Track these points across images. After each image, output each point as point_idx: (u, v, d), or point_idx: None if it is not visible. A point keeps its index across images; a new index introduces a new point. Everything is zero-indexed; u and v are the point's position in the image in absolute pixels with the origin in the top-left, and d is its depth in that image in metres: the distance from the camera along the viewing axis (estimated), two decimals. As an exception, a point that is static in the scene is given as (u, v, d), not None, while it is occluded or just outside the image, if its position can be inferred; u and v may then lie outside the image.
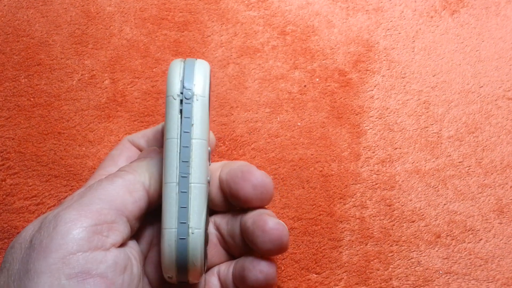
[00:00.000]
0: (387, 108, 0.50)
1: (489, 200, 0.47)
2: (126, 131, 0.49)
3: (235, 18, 0.53)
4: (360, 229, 0.46)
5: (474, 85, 0.51)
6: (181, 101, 0.34)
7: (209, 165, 0.37)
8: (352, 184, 0.47)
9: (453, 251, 0.45)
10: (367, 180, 0.48)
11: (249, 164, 0.38)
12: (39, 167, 0.47)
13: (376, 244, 0.45)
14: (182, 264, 0.34)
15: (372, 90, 0.51)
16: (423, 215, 0.46)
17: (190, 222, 0.34)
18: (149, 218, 0.39)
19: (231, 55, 0.52)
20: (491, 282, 0.44)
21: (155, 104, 0.50)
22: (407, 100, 0.51)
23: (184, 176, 0.34)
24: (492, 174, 0.48)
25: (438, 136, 0.49)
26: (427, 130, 0.49)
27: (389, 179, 0.48)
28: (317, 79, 0.51)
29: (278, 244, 0.35)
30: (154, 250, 0.40)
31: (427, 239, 0.46)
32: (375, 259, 0.45)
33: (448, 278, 0.44)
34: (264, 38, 0.53)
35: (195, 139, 0.34)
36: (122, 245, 0.34)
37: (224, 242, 0.39)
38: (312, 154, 0.48)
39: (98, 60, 0.51)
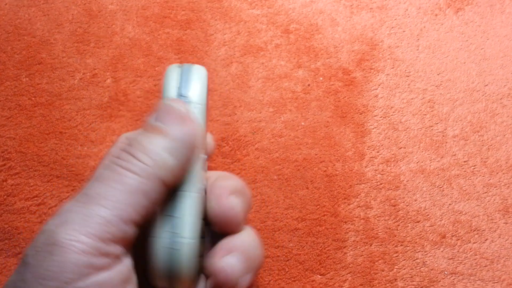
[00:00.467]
0: (392, 107, 0.50)
1: (495, 200, 0.47)
2: (128, 130, 0.48)
3: (238, 16, 0.53)
4: (365, 230, 0.46)
5: (479, 83, 0.51)
6: None
7: (205, 173, 0.36)
8: (356, 184, 0.47)
9: (458, 251, 0.45)
10: (372, 180, 0.47)
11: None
12: (41, 167, 0.47)
13: (381, 245, 0.45)
14: (169, 274, 0.33)
15: (377, 89, 0.50)
16: (428, 215, 0.46)
17: (181, 232, 0.33)
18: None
19: (234, 54, 0.51)
20: (496, 282, 0.44)
21: (158, 103, 0.49)
22: (412, 99, 0.50)
23: None
24: (497, 173, 0.48)
25: (443, 135, 0.49)
26: (432, 129, 0.49)
27: (394, 179, 0.47)
28: (321, 78, 0.51)
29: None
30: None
31: (432, 240, 0.45)
32: (379, 259, 0.45)
33: (454, 279, 0.44)
34: (267, 37, 0.52)
35: None
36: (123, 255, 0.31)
37: None
38: (316, 154, 0.48)
39: (100, 58, 0.51)
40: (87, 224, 0.27)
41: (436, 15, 0.53)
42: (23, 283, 0.27)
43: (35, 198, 0.46)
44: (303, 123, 0.49)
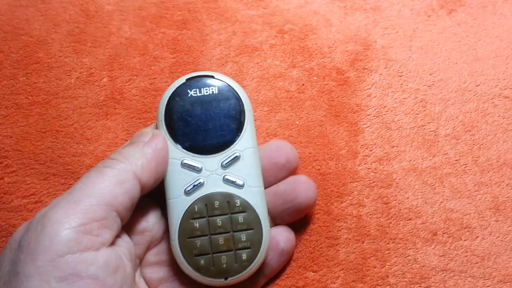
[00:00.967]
0: (385, 107, 0.50)
1: (486, 198, 0.47)
2: (124, 128, 0.49)
3: (234, 17, 0.53)
4: (357, 227, 0.46)
5: (471, 83, 0.51)
6: None
7: None
8: (349, 183, 0.48)
9: (449, 248, 0.46)
10: (365, 178, 0.48)
11: None
12: (37, 165, 0.47)
13: (373, 242, 0.46)
14: None
15: (370, 88, 0.51)
16: (419, 213, 0.47)
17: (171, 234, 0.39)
18: (147, 221, 0.40)
19: (230, 54, 0.52)
20: (487, 279, 0.45)
21: (153, 101, 0.50)
22: (404, 98, 0.51)
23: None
24: (488, 172, 0.48)
25: (435, 135, 0.49)
26: (424, 129, 0.50)
27: (386, 177, 0.48)
28: (315, 78, 0.51)
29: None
30: (153, 252, 0.40)
31: (423, 237, 0.46)
32: (371, 256, 0.45)
33: (445, 275, 0.45)
34: (262, 37, 0.53)
35: None
36: (113, 243, 0.34)
37: None
38: (310, 153, 0.49)
39: (97, 58, 0.51)
40: (74, 207, 0.31)
41: (429, 16, 0.54)
42: (17, 264, 0.29)
43: (32, 196, 0.47)
44: (297, 122, 0.50)
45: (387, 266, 0.45)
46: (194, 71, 0.50)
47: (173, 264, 0.40)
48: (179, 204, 0.39)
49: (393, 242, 0.46)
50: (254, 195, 0.40)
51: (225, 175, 0.40)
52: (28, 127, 0.49)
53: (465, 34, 0.53)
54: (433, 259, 0.45)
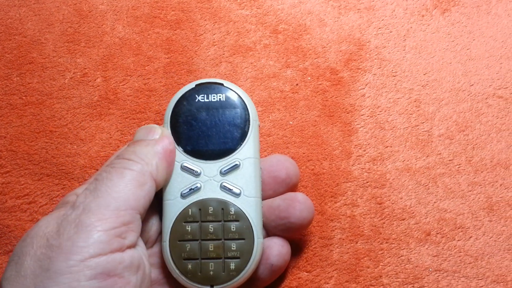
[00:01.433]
0: (378, 107, 0.50)
1: (479, 198, 0.47)
2: (118, 128, 0.49)
3: (227, 16, 0.53)
4: (351, 227, 0.46)
5: (465, 83, 0.51)
6: None
7: None
8: (343, 183, 0.48)
9: (443, 248, 0.46)
10: (358, 179, 0.48)
11: None
12: (31, 165, 0.47)
13: (366, 242, 0.46)
14: None
15: (364, 88, 0.51)
16: (413, 213, 0.47)
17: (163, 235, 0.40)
18: (147, 221, 0.40)
19: (224, 54, 0.52)
20: (481, 279, 0.45)
21: (147, 101, 0.50)
22: (398, 98, 0.51)
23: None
24: (482, 172, 0.48)
25: (429, 135, 0.49)
26: (418, 129, 0.50)
27: (380, 177, 0.48)
28: (309, 78, 0.51)
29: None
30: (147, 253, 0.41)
31: (417, 237, 0.46)
32: (365, 257, 0.45)
33: (438, 276, 0.45)
34: (256, 37, 0.53)
35: None
36: (135, 244, 0.36)
37: None
38: (304, 153, 0.49)
39: (91, 58, 0.51)
40: (105, 212, 0.33)
41: (422, 16, 0.54)
42: (47, 261, 0.31)
43: (26, 197, 0.47)
44: (291, 122, 0.50)
45: (380, 266, 0.45)
46: (188, 72, 0.50)
47: (164, 267, 0.40)
48: (174, 206, 0.39)
49: (386, 242, 0.46)
50: (250, 205, 0.39)
51: (223, 182, 0.40)
52: (22, 127, 0.49)
53: (459, 34, 0.54)
54: (427, 259, 0.45)
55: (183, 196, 0.39)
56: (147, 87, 0.50)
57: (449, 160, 0.49)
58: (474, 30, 0.54)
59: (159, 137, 0.39)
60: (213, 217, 0.39)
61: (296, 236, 0.45)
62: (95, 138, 0.48)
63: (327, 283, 0.44)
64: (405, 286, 0.44)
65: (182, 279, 0.38)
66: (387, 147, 0.49)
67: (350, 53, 0.52)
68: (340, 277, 0.45)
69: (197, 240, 0.39)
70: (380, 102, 0.51)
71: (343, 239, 0.46)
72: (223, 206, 0.39)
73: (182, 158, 0.40)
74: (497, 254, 0.46)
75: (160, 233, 0.41)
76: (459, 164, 0.49)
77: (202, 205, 0.39)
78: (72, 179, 0.47)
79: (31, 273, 0.31)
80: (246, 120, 0.41)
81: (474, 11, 0.54)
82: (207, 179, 0.40)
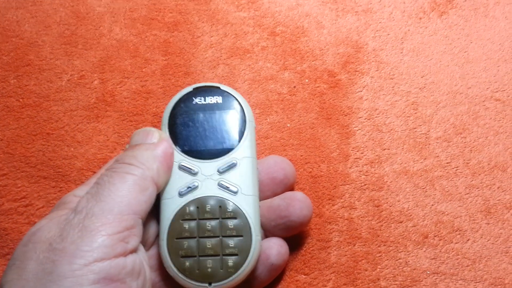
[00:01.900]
0: (376, 109, 0.50)
1: (477, 201, 0.47)
2: (115, 130, 0.49)
3: (225, 19, 0.53)
4: (349, 230, 0.46)
5: (462, 86, 0.52)
6: None
7: None
8: (341, 185, 0.48)
9: (440, 251, 0.46)
10: (356, 181, 0.48)
11: None
12: (28, 168, 0.47)
13: (364, 245, 0.46)
14: None
15: (361, 91, 0.51)
16: (411, 215, 0.47)
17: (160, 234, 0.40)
18: (146, 223, 0.40)
19: (221, 56, 0.52)
20: (478, 282, 0.45)
21: (145, 103, 0.50)
22: (396, 101, 0.51)
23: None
24: (479, 175, 0.48)
25: (426, 137, 0.49)
26: (415, 131, 0.50)
27: (378, 180, 0.48)
28: (307, 80, 0.51)
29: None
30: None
31: (414, 240, 0.46)
32: (363, 259, 0.45)
33: (436, 278, 0.45)
34: (254, 39, 0.53)
35: None
36: (136, 248, 0.36)
37: None
38: (301, 155, 0.48)
39: (88, 60, 0.51)
40: (107, 217, 0.33)
41: (420, 18, 0.54)
42: (51, 264, 0.31)
43: (23, 199, 0.46)
44: (289, 125, 0.50)
45: (378, 269, 0.45)
46: (185, 74, 0.50)
47: (162, 269, 0.40)
48: (171, 204, 0.39)
49: (384, 245, 0.46)
50: (247, 203, 0.40)
51: (220, 181, 0.40)
52: (19, 130, 0.49)
53: (456, 37, 0.54)
54: (424, 262, 0.45)
55: (181, 194, 0.40)
56: (144, 89, 0.50)
57: (447, 163, 0.49)
58: (472, 33, 0.54)
59: (158, 141, 0.39)
60: (211, 215, 0.39)
61: (294, 234, 0.45)
62: (92, 141, 0.48)
63: (325, 286, 0.44)
64: (403, 289, 0.44)
65: (179, 277, 0.38)
66: (384, 149, 0.49)
67: (348, 56, 0.52)
68: (338, 280, 0.44)
69: (195, 237, 0.39)
70: (378, 104, 0.51)
71: (341, 242, 0.46)
72: (221, 203, 0.39)
73: (179, 158, 0.41)
74: (495, 257, 0.46)
75: (158, 235, 0.41)
76: (457, 167, 0.49)
77: (199, 203, 0.39)
78: (69, 181, 0.47)
79: (33, 276, 0.31)
80: (243, 121, 0.42)
81: (471, 14, 0.54)
82: (205, 178, 0.40)
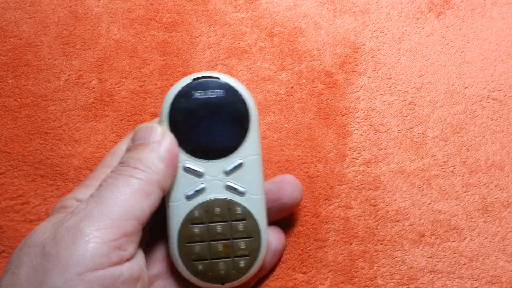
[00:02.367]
0: (373, 109, 0.51)
1: (474, 199, 0.47)
2: (113, 130, 0.49)
3: (223, 19, 0.54)
4: (345, 229, 0.46)
5: (459, 86, 0.52)
6: None
7: None
8: (337, 185, 0.48)
9: (437, 249, 0.46)
10: (352, 181, 0.48)
11: None
12: (25, 167, 0.47)
13: (361, 244, 0.46)
14: None
15: (358, 91, 0.51)
16: (407, 214, 0.47)
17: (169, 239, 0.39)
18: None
19: (219, 56, 0.52)
20: (475, 280, 0.45)
21: (143, 103, 0.50)
22: (393, 101, 0.51)
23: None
24: (477, 173, 0.48)
25: (423, 137, 0.50)
26: (412, 131, 0.50)
27: (374, 179, 0.48)
28: (304, 81, 0.51)
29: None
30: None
31: (411, 238, 0.46)
32: (360, 258, 0.45)
33: (433, 277, 0.45)
34: (251, 40, 0.53)
35: None
36: (133, 255, 0.34)
37: None
38: (298, 155, 0.49)
39: (86, 60, 0.51)
40: (105, 220, 0.32)
41: (417, 18, 0.54)
42: (43, 273, 0.30)
43: (19, 198, 0.46)
44: (286, 125, 0.50)
45: (375, 267, 0.45)
46: (183, 74, 0.50)
47: (167, 260, 0.40)
48: (179, 208, 0.39)
49: (381, 244, 0.46)
50: (255, 204, 0.39)
51: (227, 182, 0.39)
52: (17, 129, 0.49)
53: (453, 37, 0.54)
54: (421, 261, 0.45)
55: (188, 197, 0.39)
56: (142, 89, 0.50)
57: (444, 162, 0.49)
58: (469, 33, 0.54)
59: (161, 138, 0.37)
60: (220, 218, 0.39)
61: (291, 233, 0.45)
62: (89, 140, 0.48)
63: (323, 284, 0.44)
64: (400, 287, 0.44)
65: (193, 279, 0.39)
66: (381, 149, 0.49)
67: (345, 56, 0.53)
68: (336, 278, 0.44)
69: (206, 241, 0.38)
70: (375, 104, 0.51)
71: (338, 241, 0.46)
72: (229, 206, 0.39)
73: (183, 158, 0.39)
74: (492, 255, 0.46)
75: (150, 227, 0.41)
76: (454, 166, 0.49)
77: (208, 206, 0.39)
78: (66, 180, 0.47)
79: (26, 284, 0.30)
80: (247, 116, 0.40)
81: (468, 14, 0.55)
82: (211, 179, 0.39)
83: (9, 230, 0.45)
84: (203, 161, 0.39)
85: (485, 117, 0.51)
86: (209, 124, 0.39)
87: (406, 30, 0.54)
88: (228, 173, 0.39)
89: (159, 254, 0.40)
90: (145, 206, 0.34)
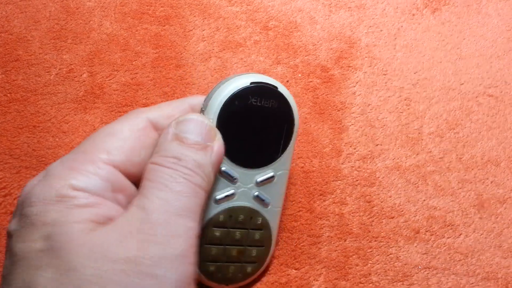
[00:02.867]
0: (369, 105, 0.50)
1: (469, 195, 0.47)
2: (102, 121, 0.48)
3: (217, 13, 0.53)
4: (339, 225, 0.45)
5: (455, 82, 0.51)
6: None
7: None
8: (332, 181, 0.47)
9: (432, 246, 0.45)
10: (348, 177, 0.47)
11: None
12: (11, 160, 0.46)
13: (355, 240, 0.45)
14: None
15: (354, 86, 0.51)
16: (402, 211, 0.46)
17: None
18: None
19: (213, 49, 0.51)
20: (471, 276, 0.44)
21: (134, 95, 0.49)
22: (389, 96, 0.50)
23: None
24: (472, 169, 0.48)
25: (419, 133, 0.49)
26: (408, 127, 0.49)
27: (370, 175, 0.47)
28: (300, 75, 0.51)
29: None
30: None
31: (406, 235, 0.45)
32: (354, 254, 0.44)
33: (427, 273, 0.44)
34: (246, 33, 0.52)
35: None
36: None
37: None
38: (294, 150, 0.48)
39: (77, 54, 0.51)
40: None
41: (413, 15, 0.54)
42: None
43: (2, 190, 0.45)
44: (280, 120, 0.49)
45: (369, 264, 0.44)
46: (177, 66, 0.50)
47: None
48: (206, 210, 0.38)
49: (375, 240, 0.45)
50: (274, 215, 0.40)
51: (256, 192, 0.39)
52: (6, 123, 0.48)
53: (449, 33, 0.53)
54: (416, 257, 0.44)
55: (217, 201, 0.38)
56: (134, 81, 0.49)
57: (439, 158, 0.48)
58: (465, 29, 0.53)
59: (215, 146, 0.35)
60: (241, 225, 0.39)
61: (286, 231, 0.44)
62: (78, 131, 0.47)
63: (316, 280, 0.43)
64: (394, 283, 0.43)
65: (201, 277, 0.39)
66: (377, 145, 0.48)
67: (341, 51, 0.52)
68: (329, 275, 0.44)
69: (223, 245, 0.39)
70: (371, 100, 0.50)
71: (332, 237, 0.45)
72: (252, 215, 0.39)
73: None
74: (488, 251, 0.45)
75: None
76: (450, 162, 0.48)
77: (233, 212, 0.38)
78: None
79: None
80: (291, 132, 0.39)
81: (464, 11, 0.54)
82: (242, 186, 0.38)
83: (-6, 222, 0.45)
84: (240, 167, 0.38)
85: (481, 113, 0.50)
86: (257, 133, 0.38)
87: (402, 26, 0.53)
88: (258, 183, 0.39)
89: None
90: (199, 209, 0.32)
